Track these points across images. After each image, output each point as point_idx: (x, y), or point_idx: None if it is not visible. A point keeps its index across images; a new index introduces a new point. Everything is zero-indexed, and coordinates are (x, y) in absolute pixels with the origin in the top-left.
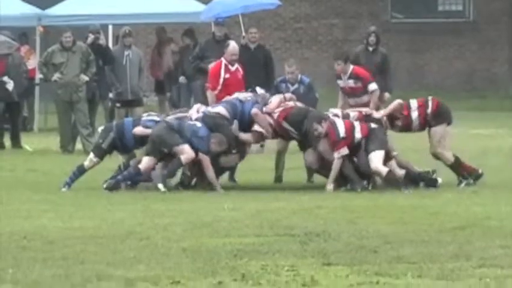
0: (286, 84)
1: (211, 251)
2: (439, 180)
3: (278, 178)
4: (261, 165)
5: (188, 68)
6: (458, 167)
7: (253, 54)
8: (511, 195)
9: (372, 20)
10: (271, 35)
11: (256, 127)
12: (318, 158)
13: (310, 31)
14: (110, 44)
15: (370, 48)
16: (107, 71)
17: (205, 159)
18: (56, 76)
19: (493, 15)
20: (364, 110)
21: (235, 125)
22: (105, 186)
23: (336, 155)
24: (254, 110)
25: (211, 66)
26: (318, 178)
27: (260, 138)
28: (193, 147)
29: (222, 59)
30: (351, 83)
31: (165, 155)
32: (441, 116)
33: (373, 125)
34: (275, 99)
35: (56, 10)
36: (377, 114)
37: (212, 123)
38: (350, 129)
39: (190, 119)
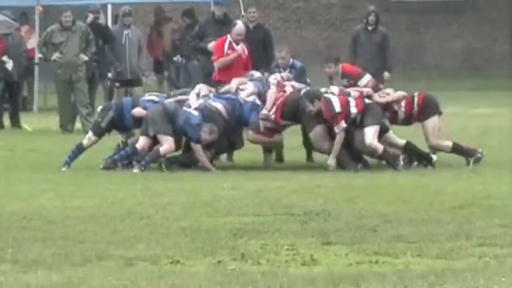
0: (278, 69)
1: (211, 230)
2: (434, 157)
3: (279, 157)
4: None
5: (186, 48)
6: (460, 150)
7: (253, 34)
8: (511, 174)
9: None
10: (271, 15)
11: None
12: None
13: (309, 10)
14: (109, 24)
15: (370, 28)
16: (107, 50)
17: (197, 149)
18: (56, 56)
19: None
20: (366, 90)
21: None
22: (102, 165)
23: (336, 129)
24: (250, 135)
25: (215, 41)
26: (317, 157)
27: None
28: (185, 134)
29: (228, 35)
30: (344, 82)
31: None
32: (429, 109)
33: (367, 101)
34: (269, 97)
35: None
36: (379, 99)
37: (208, 116)
38: (345, 104)
39: (189, 106)
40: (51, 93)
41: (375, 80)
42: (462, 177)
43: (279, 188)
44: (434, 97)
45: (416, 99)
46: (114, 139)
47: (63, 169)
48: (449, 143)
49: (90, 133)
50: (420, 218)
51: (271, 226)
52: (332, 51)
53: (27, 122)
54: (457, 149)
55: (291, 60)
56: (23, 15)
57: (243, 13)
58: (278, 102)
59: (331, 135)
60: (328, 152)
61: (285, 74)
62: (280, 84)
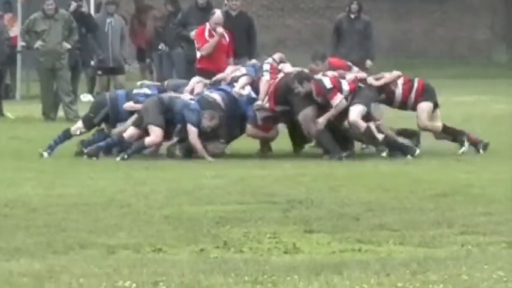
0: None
1: (193, 218)
2: (418, 151)
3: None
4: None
5: (169, 36)
6: (451, 133)
7: (235, 21)
8: (494, 163)
9: None
10: (254, 2)
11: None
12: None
13: None
14: (92, 12)
15: (352, 16)
16: (90, 38)
17: (193, 131)
18: (38, 44)
19: None
20: (361, 74)
21: None
22: (86, 151)
23: (333, 104)
24: (249, 129)
25: (195, 30)
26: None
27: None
28: (183, 120)
29: (207, 23)
30: None
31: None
32: (426, 96)
33: (361, 85)
34: (262, 87)
35: None
36: (374, 82)
37: (206, 106)
38: (336, 82)
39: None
40: (34, 81)
41: (361, 70)
42: (445, 165)
43: (261, 176)
44: (433, 87)
45: (416, 84)
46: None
47: (45, 154)
48: (440, 124)
49: (81, 124)
50: (403, 206)
51: (254, 214)
52: (318, 48)
53: (9, 110)
54: (447, 132)
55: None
56: (6, 4)
57: (225, 1)
58: (270, 89)
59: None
60: (316, 136)
61: (277, 56)
62: (274, 69)
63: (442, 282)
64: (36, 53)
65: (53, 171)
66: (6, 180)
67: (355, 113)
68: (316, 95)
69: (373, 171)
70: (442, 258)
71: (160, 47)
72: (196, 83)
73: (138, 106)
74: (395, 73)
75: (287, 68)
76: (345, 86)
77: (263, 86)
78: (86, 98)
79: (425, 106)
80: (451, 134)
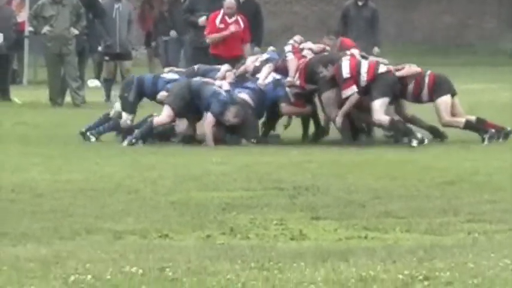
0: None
1: (200, 204)
2: (415, 142)
3: (318, 128)
4: None
5: (179, 21)
6: (473, 127)
7: (242, 8)
8: (500, 151)
9: None
10: None
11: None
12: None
13: None
14: None
15: (360, 3)
16: (97, 24)
17: (210, 118)
18: (46, 29)
19: None
20: (382, 60)
21: None
22: (125, 143)
23: (343, 95)
24: (284, 108)
25: (207, 16)
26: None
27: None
28: (207, 108)
29: (222, 10)
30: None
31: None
32: (440, 89)
33: (381, 69)
34: (290, 65)
35: None
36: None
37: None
38: (355, 68)
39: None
40: (41, 66)
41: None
42: (452, 152)
43: (268, 162)
44: (446, 77)
45: (426, 80)
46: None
47: (92, 138)
48: (462, 119)
49: (123, 113)
50: (409, 193)
51: (260, 201)
52: (330, 24)
53: (16, 95)
54: (469, 126)
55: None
56: None
57: None
58: (301, 67)
59: (343, 103)
60: (334, 120)
61: (297, 38)
62: (296, 49)
63: (449, 270)
64: (44, 38)
65: (59, 157)
66: (13, 165)
67: (378, 110)
68: (337, 81)
69: (379, 159)
70: (448, 246)
71: (171, 33)
72: (226, 71)
73: None
74: (414, 70)
75: (308, 45)
76: (363, 77)
77: (292, 65)
78: (93, 83)
79: (442, 102)
80: (474, 128)
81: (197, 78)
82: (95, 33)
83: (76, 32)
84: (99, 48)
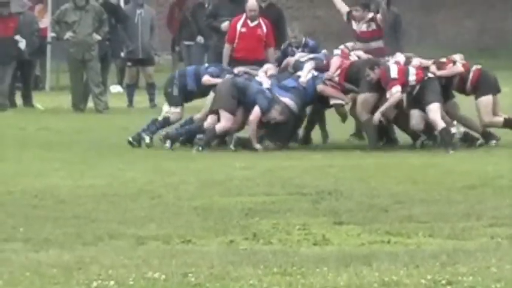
0: (291, 48)
1: (223, 209)
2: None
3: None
4: None
5: (204, 27)
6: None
7: (265, 13)
8: None
9: None
10: None
11: (333, 101)
12: (422, 118)
13: None
14: (122, 3)
15: None
16: (119, 29)
17: (257, 114)
18: (69, 35)
19: None
20: (425, 62)
21: None
22: (162, 134)
23: (388, 94)
24: (319, 87)
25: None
26: (331, 137)
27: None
28: (253, 104)
29: (244, 13)
30: (363, 28)
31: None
32: (484, 87)
33: (430, 74)
34: (333, 63)
35: None
36: (437, 72)
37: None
38: (403, 72)
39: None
40: (64, 72)
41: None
42: (474, 156)
43: (290, 167)
44: (490, 75)
45: (470, 75)
46: (127, 119)
47: (147, 138)
48: (501, 118)
49: (169, 108)
50: (432, 198)
51: (283, 206)
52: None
53: (39, 100)
54: (509, 124)
55: (304, 38)
56: None
57: None
58: (343, 66)
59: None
60: (362, 126)
61: (349, 44)
62: (345, 53)
63: (472, 275)
64: (67, 44)
65: (81, 162)
66: (36, 171)
67: (434, 111)
68: (382, 84)
69: (401, 163)
70: (471, 250)
71: (197, 39)
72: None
73: (216, 80)
74: (457, 69)
75: (358, 52)
76: (412, 77)
77: (334, 62)
78: (116, 89)
79: (484, 101)
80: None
81: (241, 77)
82: (117, 39)
83: (98, 37)
84: (122, 54)
